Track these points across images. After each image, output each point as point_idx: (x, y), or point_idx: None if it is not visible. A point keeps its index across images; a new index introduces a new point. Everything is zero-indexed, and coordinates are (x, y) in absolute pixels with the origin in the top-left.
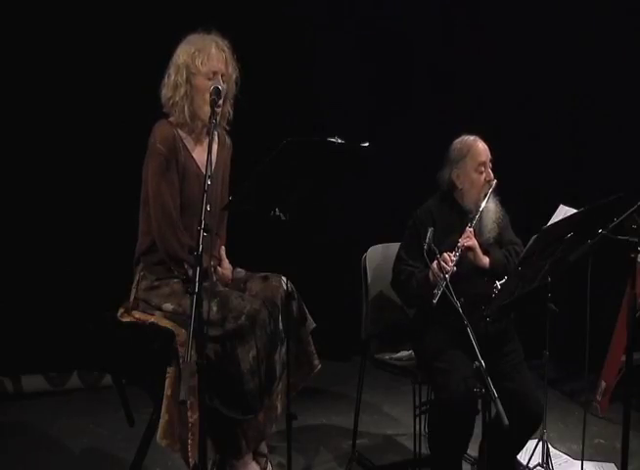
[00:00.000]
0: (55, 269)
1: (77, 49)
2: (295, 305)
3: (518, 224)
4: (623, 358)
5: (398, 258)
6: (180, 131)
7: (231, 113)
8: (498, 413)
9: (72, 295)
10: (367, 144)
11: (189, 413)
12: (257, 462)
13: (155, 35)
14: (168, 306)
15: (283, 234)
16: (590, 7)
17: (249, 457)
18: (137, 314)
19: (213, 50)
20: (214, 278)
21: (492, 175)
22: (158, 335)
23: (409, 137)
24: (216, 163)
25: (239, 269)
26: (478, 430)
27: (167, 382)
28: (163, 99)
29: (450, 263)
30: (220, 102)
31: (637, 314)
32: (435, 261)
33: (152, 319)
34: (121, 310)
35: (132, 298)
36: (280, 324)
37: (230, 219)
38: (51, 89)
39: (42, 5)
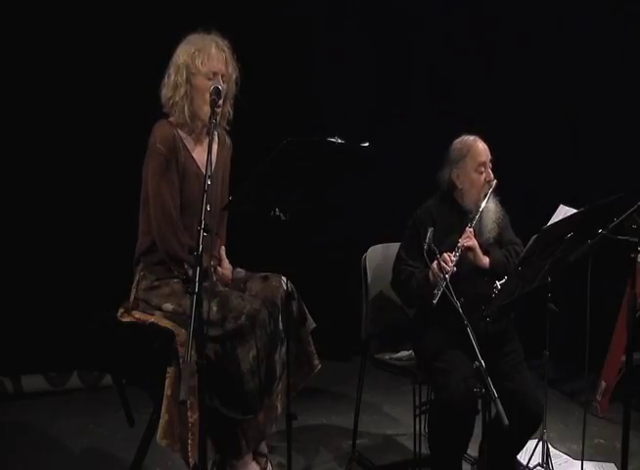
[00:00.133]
0: (55, 269)
1: (77, 49)
2: (295, 305)
3: (518, 224)
4: (623, 358)
5: (398, 258)
6: (180, 131)
7: (231, 113)
8: (498, 413)
9: (72, 295)
10: (367, 144)
11: (189, 413)
12: (257, 462)
13: (155, 35)
14: (168, 306)
15: (283, 234)
16: (590, 7)
17: (249, 457)
18: (137, 314)
19: (213, 50)
20: (214, 278)
21: (492, 175)
22: (158, 335)
23: (409, 137)
24: (216, 163)
25: (239, 269)
26: (478, 430)
27: (167, 382)
28: (163, 99)
29: (450, 264)
30: (220, 102)
31: (637, 314)
32: (435, 262)
33: (152, 319)
34: (121, 310)
35: (132, 298)
36: (280, 324)
37: (230, 219)
38: (51, 89)
39: (42, 5)
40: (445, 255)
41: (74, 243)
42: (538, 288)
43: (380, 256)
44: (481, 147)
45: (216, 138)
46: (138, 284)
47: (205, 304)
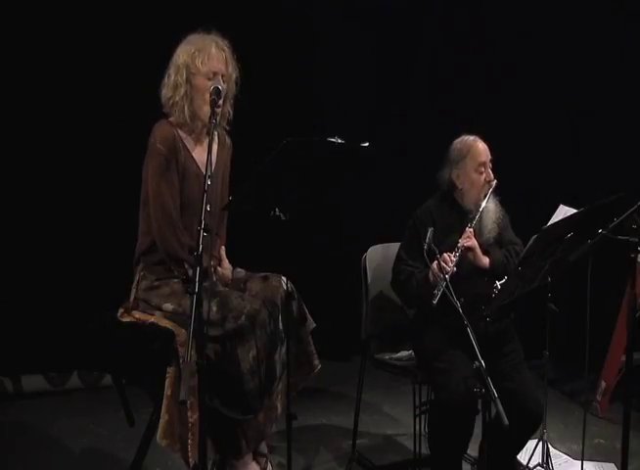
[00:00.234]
0: (55, 269)
1: (77, 49)
2: (295, 305)
3: (518, 224)
4: (623, 358)
5: (398, 258)
6: (180, 131)
7: (231, 113)
8: (498, 413)
9: (72, 295)
10: (367, 144)
11: (189, 413)
12: (257, 462)
13: (155, 35)
14: (168, 306)
15: (283, 234)
16: (590, 7)
17: (249, 457)
18: (137, 314)
19: (213, 50)
20: (214, 278)
21: (492, 175)
22: (158, 335)
23: (409, 137)
24: (216, 163)
25: (239, 269)
26: (478, 430)
27: (167, 382)
28: (163, 99)
29: (450, 264)
30: (220, 102)
31: (637, 314)
32: (435, 262)
33: (152, 319)
34: (121, 310)
35: (132, 298)
36: (280, 324)
37: (230, 219)
38: (51, 89)
39: (42, 5)
40: (445, 255)
41: (75, 243)
42: (538, 288)
43: (380, 256)
44: (481, 147)
45: (216, 138)
46: (138, 284)
47: (205, 304)
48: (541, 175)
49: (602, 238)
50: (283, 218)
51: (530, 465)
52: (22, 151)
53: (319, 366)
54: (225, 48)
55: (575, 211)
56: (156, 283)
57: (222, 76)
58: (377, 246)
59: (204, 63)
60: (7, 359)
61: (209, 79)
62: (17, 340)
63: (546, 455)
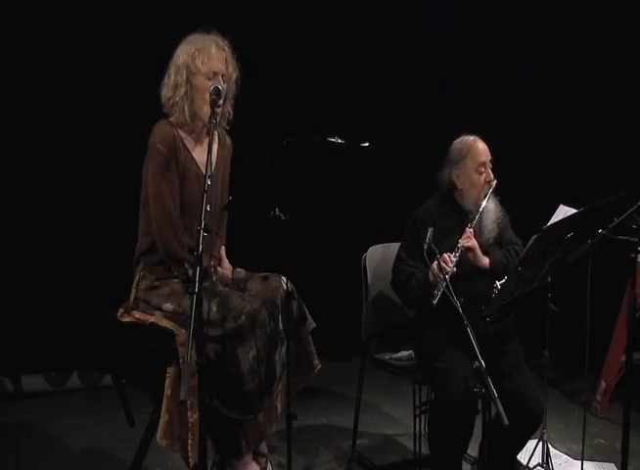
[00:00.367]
0: (55, 269)
1: (78, 49)
2: (295, 305)
3: (518, 224)
4: (623, 358)
5: (398, 258)
6: (180, 131)
7: (231, 113)
8: (498, 413)
9: (72, 295)
10: (367, 144)
11: (189, 413)
12: (257, 462)
13: (155, 35)
14: (168, 306)
15: (283, 234)
16: (590, 7)
17: (249, 457)
18: (137, 314)
19: (213, 50)
20: (214, 278)
21: (492, 176)
22: (158, 335)
23: (409, 137)
24: (216, 163)
25: (239, 269)
26: (478, 430)
27: (167, 382)
28: (163, 99)
29: (450, 264)
30: (220, 102)
31: (637, 314)
32: (435, 262)
33: (152, 319)
34: (121, 310)
35: (132, 298)
36: (280, 324)
37: (230, 219)
38: (51, 89)
39: (42, 5)
40: (445, 255)
41: (75, 243)
42: (538, 288)
43: (380, 256)
44: (481, 147)
45: (216, 138)
46: (138, 284)
47: (205, 304)
48: (541, 175)
49: (602, 238)
50: (283, 218)
51: (530, 465)
52: (22, 151)
53: (319, 366)
54: (225, 48)
55: (575, 211)
56: (156, 283)
57: (222, 76)
58: (377, 246)
59: (204, 63)
60: (7, 359)
61: (210, 79)
62: (17, 340)
63: (546, 455)
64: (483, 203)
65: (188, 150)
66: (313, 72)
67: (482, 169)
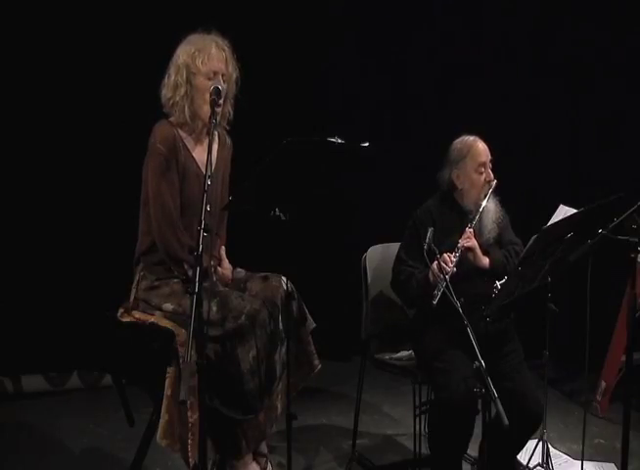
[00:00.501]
0: (55, 269)
1: (78, 49)
2: (295, 305)
3: (518, 224)
4: (623, 358)
5: (398, 258)
6: (180, 131)
7: (231, 113)
8: (498, 413)
9: (72, 295)
10: (367, 144)
11: (189, 413)
12: (257, 462)
13: (155, 35)
14: (168, 306)
15: (283, 234)
16: (590, 6)
17: (249, 457)
18: (137, 314)
19: (213, 50)
20: (214, 278)
21: (492, 176)
22: (158, 335)
23: (409, 137)
24: (216, 163)
25: (239, 269)
26: (478, 430)
27: (167, 382)
28: (163, 99)
29: (450, 264)
30: (220, 102)
31: (637, 314)
32: (435, 262)
33: (152, 319)
34: (121, 310)
35: (132, 298)
36: (280, 324)
37: (230, 219)
38: (51, 89)
39: (42, 5)
40: (445, 255)
41: (75, 243)
42: (538, 288)
43: (380, 256)
44: (481, 147)
45: (216, 138)
46: (138, 284)
47: (205, 304)
48: (541, 175)
49: (602, 238)
50: (283, 218)
51: (530, 465)
52: (22, 151)
53: (319, 366)
54: (225, 48)
55: (575, 211)
56: (156, 283)
57: (222, 76)
58: (377, 246)
59: (204, 63)
60: (7, 359)
61: (210, 79)
62: (17, 340)
63: (546, 455)
64: (483, 203)
65: (188, 150)
66: (313, 73)
67: (482, 169)
